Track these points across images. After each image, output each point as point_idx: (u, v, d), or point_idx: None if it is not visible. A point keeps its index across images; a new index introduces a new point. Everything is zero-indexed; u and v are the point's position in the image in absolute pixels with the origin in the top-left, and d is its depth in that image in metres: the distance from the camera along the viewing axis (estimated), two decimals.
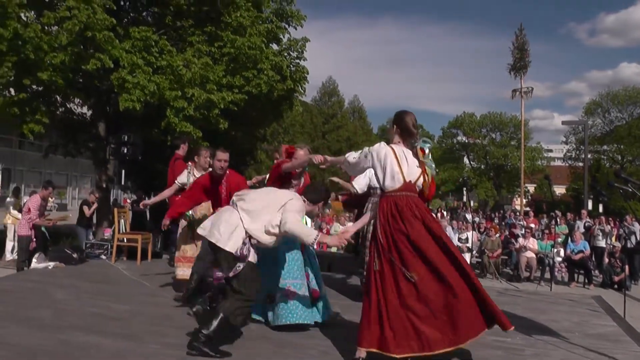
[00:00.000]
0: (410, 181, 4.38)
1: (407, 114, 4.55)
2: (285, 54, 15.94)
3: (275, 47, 16.16)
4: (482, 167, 60.55)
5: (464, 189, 58.82)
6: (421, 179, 4.46)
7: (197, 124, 13.59)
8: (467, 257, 14.13)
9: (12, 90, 12.95)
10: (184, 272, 7.02)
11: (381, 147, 4.47)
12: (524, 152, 37.69)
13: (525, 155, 37.61)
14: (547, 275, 13.76)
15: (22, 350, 4.37)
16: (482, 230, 16.51)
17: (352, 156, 4.59)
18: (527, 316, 6.36)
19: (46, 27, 12.34)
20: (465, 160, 62.50)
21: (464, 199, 58.37)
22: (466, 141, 60.75)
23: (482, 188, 56.97)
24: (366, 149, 4.55)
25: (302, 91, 16.90)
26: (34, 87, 13.25)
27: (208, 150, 7.52)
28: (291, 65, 15.83)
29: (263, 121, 18.27)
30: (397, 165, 4.36)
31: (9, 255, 13.23)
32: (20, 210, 13.12)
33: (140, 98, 12.49)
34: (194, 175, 7.31)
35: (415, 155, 4.49)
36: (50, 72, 12.03)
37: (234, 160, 21.93)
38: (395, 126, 4.58)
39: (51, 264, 9.24)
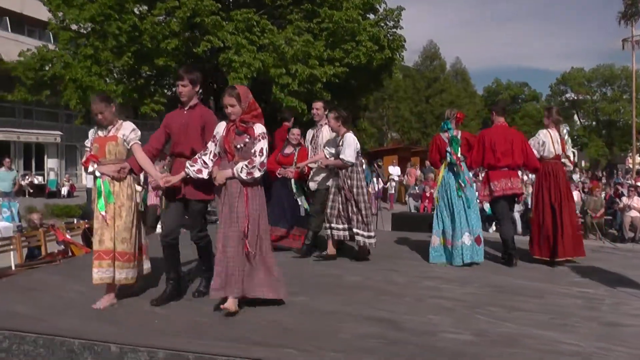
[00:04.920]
0: (558, 154, 6.87)
1: (548, 108, 7.46)
2: (382, 24, 16.36)
3: (372, 17, 16.62)
4: (593, 124, 58.05)
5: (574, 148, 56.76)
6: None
7: (302, 98, 14.39)
8: None
9: (131, 77, 14.50)
10: (102, 275, 4.69)
11: (544, 133, 6.91)
12: (636, 106, 35.82)
13: (637, 110, 35.72)
14: None
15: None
16: (586, 190, 16.36)
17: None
18: (616, 271, 6.60)
19: (157, 18, 13.67)
20: (575, 118, 60.07)
21: (574, 158, 56.32)
22: (575, 98, 58.33)
23: (593, 147, 54.73)
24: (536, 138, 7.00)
25: (400, 59, 17.34)
26: (148, 72, 14.67)
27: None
28: (388, 35, 16.24)
29: (364, 91, 18.88)
30: (550, 144, 6.83)
31: None
32: (139, 184, 14.72)
33: (247, 75, 13.46)
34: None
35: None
36: (165, 57, 13.30)
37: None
38: (548, 118, 7.05)
39: None
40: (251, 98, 4.62)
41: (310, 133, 7.50)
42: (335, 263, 6.70)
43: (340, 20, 14.50)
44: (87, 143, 5.04)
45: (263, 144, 4.53)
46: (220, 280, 4.51)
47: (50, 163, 34.28)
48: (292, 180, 7.34)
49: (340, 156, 6.53)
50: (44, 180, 31.27)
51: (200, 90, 5.01)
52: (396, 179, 22.29)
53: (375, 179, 20.03)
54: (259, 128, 4.59)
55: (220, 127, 4.65)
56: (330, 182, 6.85)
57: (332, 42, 14.96)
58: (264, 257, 4.67)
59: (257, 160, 4.47)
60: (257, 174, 4.50)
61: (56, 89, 15.26)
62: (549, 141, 6.81)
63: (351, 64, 14.97)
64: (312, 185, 7.18)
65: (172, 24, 13.06)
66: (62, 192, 28.29)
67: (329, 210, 6.71)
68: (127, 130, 4.90)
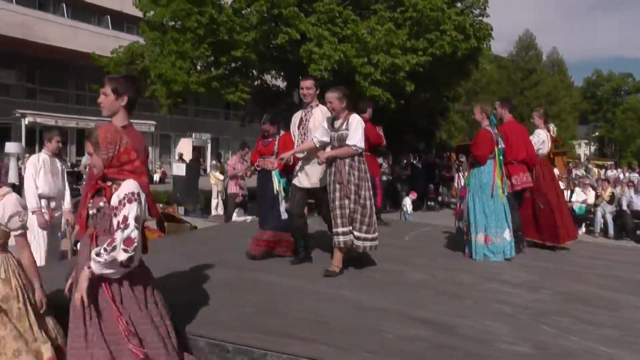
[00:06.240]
0: (549, 151, 7.77)
1: (539, 110, 8.19)
2: (468, 13, 15.86)
3: (458, 5, 16.12)
4: None
5: None
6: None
7: (385, 87, 14.24)
8: None
9: (212, 68, 14.92)
10: None
11: (543, 133, 7.61)
12: None
13: None
14: None
15: (217, 283, 5.05)
16: None
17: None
18: None
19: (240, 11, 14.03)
20: None
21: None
22: None
23: None
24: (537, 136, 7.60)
25: (488, 49, 16.76)
26: (232, 64, 15.04)
27: None
28: (474, 23, 15.67)
29: (450, 81, 18.37)
30: (547, 142, 7.55)
31: (214, 212, 15.25)
32: (222, 172, 15.24)
33: (327, 67, 13.43)
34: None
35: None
36: (243, 49, 13.56)
37: (426, 122, 22.26)
38: (540, 118, 7.79)
39: (249, 218, 10.41)
40: (125, 144, 3.12)
41: (297, 116, 6.22)
42: (399, 258, 6.40)
43: (424, 9, 14.13)
44: None
45: (130, 209, 2.98)
46: None
47: None
48: (276, 173, 6.20)
49: (348, 142, 5.39)
50: None
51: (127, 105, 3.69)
52: None
53: (459, 175, 19.49)
54: (127, 186, 3.05)
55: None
56: (327, 179, 5.60)
57: (416, 31, 14.65)
58: None
59: (119, 236, 2.93)
60: (122, 256, 2.92)
61: (145, 82, 15.80)
62: (547, 140, 7.57)
63: (435, 54, 14.59)
64: (297, 182, 5.95)
65: (251, 17, 13.33)
66: (154, 179, 29.46)
67: (334, 211, 5.48)
68: (6, 209, 3.47)
